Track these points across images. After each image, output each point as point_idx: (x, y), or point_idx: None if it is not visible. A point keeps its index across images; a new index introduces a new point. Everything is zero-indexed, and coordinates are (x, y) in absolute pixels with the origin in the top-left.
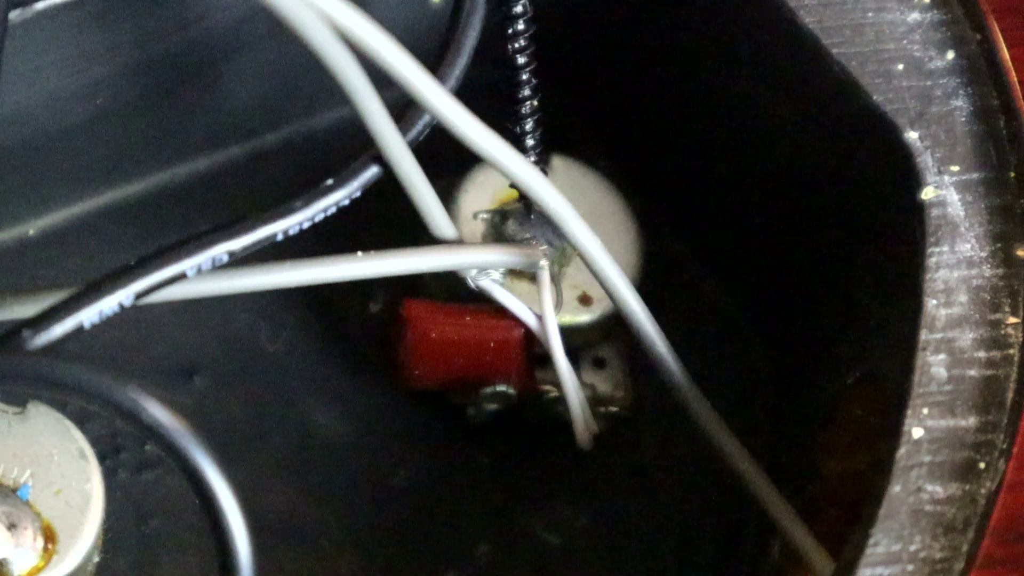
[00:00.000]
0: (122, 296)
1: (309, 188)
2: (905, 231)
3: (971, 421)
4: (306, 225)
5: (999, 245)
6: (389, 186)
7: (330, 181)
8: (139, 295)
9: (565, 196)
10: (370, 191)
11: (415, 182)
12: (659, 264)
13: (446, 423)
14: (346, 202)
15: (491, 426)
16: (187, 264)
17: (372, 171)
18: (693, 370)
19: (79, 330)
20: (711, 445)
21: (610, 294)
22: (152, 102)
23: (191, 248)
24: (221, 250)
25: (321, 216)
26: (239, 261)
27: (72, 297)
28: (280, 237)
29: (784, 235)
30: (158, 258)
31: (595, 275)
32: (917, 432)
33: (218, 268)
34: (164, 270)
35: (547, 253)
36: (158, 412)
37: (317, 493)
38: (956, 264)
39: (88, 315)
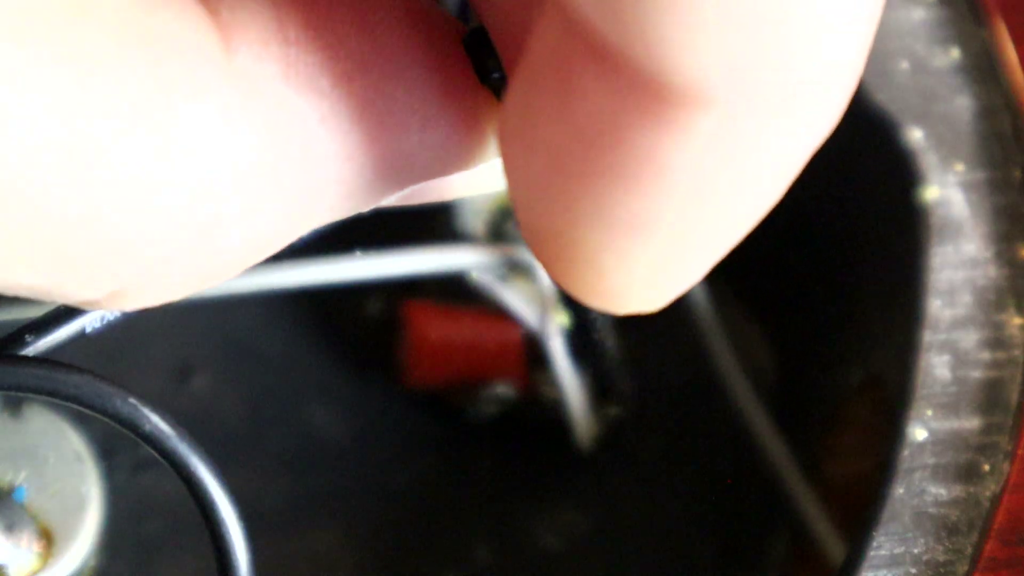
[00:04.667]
0: None
1: None
2: (908, 231)
3: (975, 423)
4: None
5: (1004, 245)
6: None
7: None
8: None
9: None
10: None
11: None
12: None
13: (446, 424)
14: None
15: (491, 427)
16: None
17: None
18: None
19: (81, 334)
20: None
21: None
22: None
23: None
24: None
25: None
26: None
27: None
28: None
29: (784, 235)
30: None
31: None
32: (920, 434)
33: None
34: None
35: None
36: (159, 422)
37: (317, 493)
38: (960, 264)
39: (91, 320)
